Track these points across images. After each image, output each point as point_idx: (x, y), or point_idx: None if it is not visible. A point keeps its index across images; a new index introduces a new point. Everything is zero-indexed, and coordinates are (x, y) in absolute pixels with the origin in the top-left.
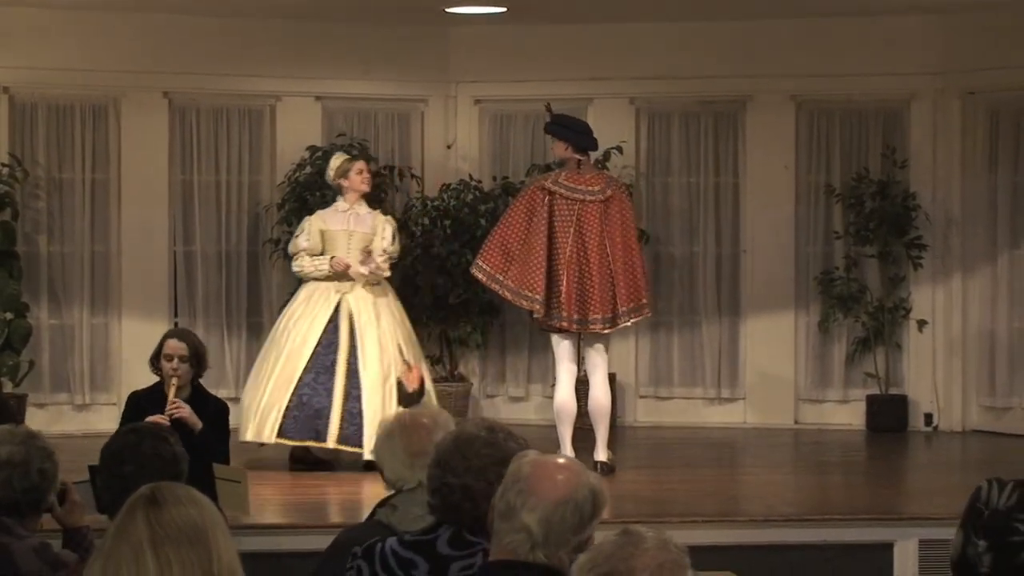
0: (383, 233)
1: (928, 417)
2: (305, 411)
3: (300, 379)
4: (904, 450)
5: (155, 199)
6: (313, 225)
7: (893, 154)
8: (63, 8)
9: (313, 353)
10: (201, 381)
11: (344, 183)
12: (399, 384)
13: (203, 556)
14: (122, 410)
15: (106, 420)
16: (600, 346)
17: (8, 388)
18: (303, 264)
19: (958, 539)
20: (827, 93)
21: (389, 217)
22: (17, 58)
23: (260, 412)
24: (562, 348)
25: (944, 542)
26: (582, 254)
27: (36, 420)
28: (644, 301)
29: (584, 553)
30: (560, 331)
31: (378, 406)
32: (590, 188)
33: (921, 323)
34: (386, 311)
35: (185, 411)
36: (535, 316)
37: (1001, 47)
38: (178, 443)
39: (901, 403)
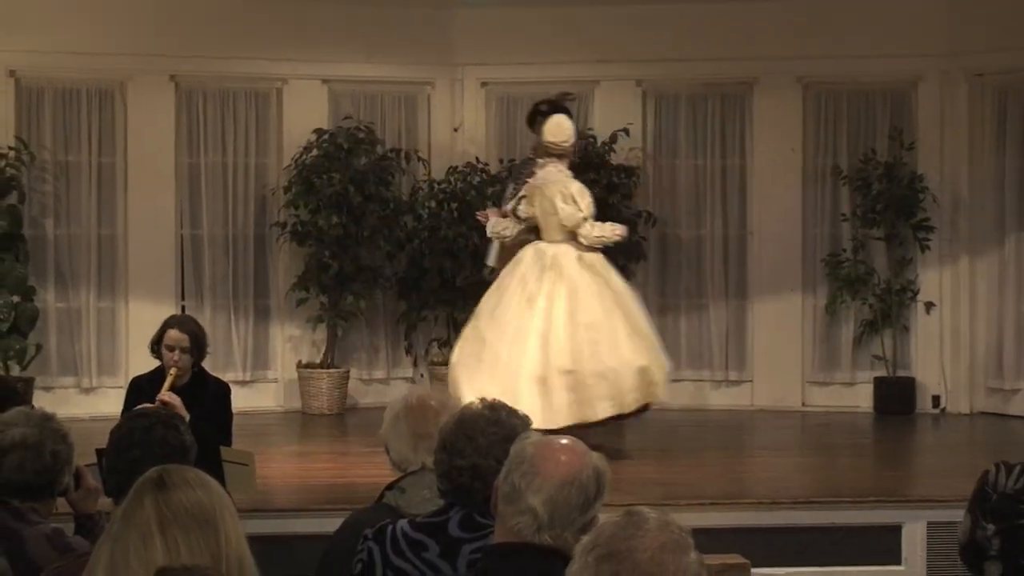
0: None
1: (935, 399)
2: None
3: None
4: (911, 432)
5: (162, 182)
6: None
7: (900, 136)
8: None
9: None
10: (205, 365)
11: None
12: None
13: (211, 539)
14: (125, 394)
15: (113, 403)
16: None
17: (15, 371)
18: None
19: (966, 523)
20: (834, 75)
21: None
22: (24, 42)
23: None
24: None
25: (952, 524)
26: None
27: (43, 403)
28: None
29: (586, 535)
30: None
31: None
32: None
33: (928, 305)
34: None
35: (175, 403)
36: None
37: (1008, 29)
38: (188, 431)
39: (908, 385)
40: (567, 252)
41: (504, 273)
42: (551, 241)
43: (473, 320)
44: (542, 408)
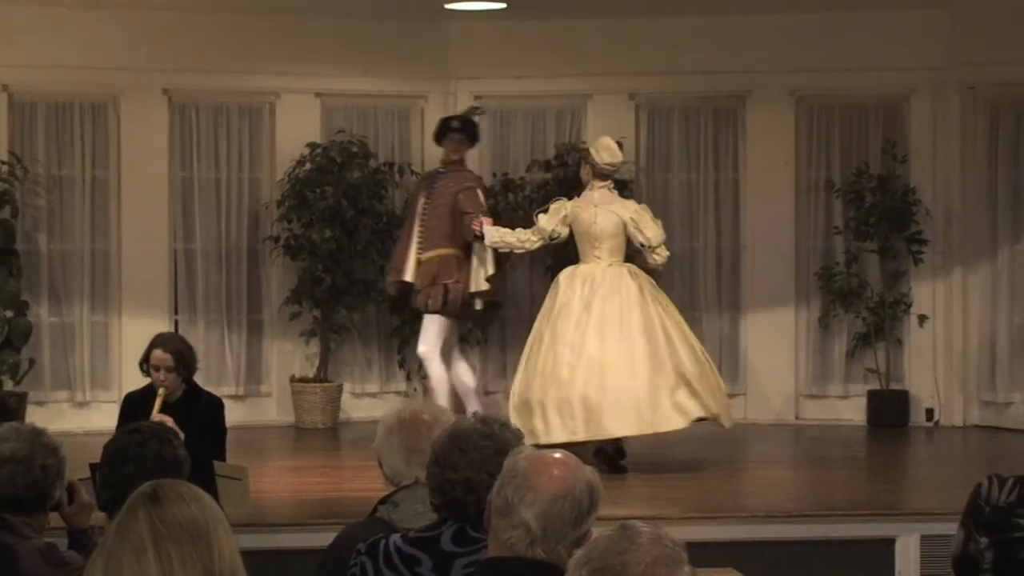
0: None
1: (929, 412)
2: None
3: None
4: (905, 445)
5: (155, 196)
6: None
7: (893, 149)
8: (63, 6)
9: None
10: (197, 379)
11: None
12: None
13: (204, 553)
14: (119, 410)
15: (106, 418)
16: None
17: (8, 386)
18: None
19: (959, 536)
20: (827, 88)
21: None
22: (17, 56)
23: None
24: None
25: (946, 537)
26: None
27: (36, 418)
28: None
29: (580, 548)
30: None
31: None
32: None
33: (922, 318)
34: None
35: (168, 424)
36: None
37: (1001, 41)
38: (181, 446)
39: (902, 398)
40: (627, 272)
41: (561, 298)
42: (607, 263)
43: (540, 355)
44: (639, 418)
